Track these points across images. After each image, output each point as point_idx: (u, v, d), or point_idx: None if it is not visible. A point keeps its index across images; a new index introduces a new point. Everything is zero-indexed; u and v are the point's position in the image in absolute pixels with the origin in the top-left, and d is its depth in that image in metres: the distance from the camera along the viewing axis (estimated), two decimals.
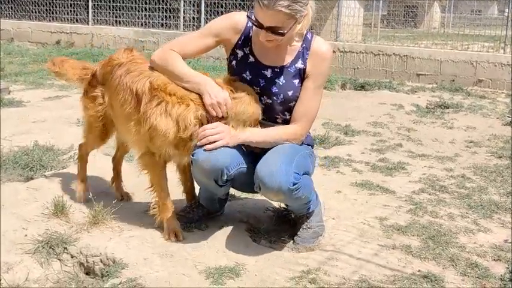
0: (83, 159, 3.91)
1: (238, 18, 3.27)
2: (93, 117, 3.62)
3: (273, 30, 3.01)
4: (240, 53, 3.29)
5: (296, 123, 3.26)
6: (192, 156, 3.07)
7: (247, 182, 3.28)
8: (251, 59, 3.27)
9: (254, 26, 3.10)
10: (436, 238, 3.51)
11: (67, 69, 3.77)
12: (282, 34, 3.04)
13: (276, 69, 3.24)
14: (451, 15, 21.11)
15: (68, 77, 3.78)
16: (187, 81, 3.15)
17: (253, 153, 3.24)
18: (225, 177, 3.08)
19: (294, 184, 3.04)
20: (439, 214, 3.94)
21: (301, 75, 3.25)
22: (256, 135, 3.18)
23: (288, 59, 3.24)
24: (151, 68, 3.29)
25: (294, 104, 3.27)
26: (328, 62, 3.27)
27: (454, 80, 10.07)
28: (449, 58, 10.21)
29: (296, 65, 3.23)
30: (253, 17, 3.07)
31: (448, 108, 7.90)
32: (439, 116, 7.40)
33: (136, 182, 3.57)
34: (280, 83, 3.24)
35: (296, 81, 3.24)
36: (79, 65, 3.82)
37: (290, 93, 3.24)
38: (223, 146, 3.04)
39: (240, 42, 3.27)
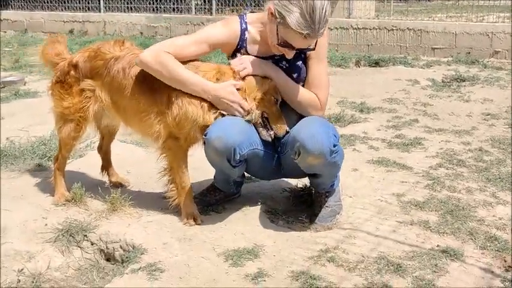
0: (60, 171, 3.75)
1: (236, 27, 3.29)
2: (70, 108, 3.51)
3: (302, 49, 3.10)
4: (239, 55, 3.31)
5: (313, 91, 3.30)
6: (205, 136, 3.09)
7: (263, 167, 3.35)
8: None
9: (282, 47, 3.09)
10: (455, 212, 3.50)
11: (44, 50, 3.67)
12: (313, 49, 3.12)
13: (276, 57, 3.27)
14: None
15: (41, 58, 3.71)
16: (191, 88, 3.15)
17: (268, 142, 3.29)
18: (237, 157, 3.10)
19: (334, 146, 3.08)
20: (457, 188, 3.92)
21: (302, 56, 3.27)
22: (281, 76, 3.23)
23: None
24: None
25: (302, 85, 3.30)
26: (324, 36, 3.22)
27: (469, 53, 9.95)
28: (465, 30, 10.08)
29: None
30: (279, 38, 3.05)
31: (464, 81, 7.81)
32: (455, 90, 7.32)
33: (152, 167, 3.59)
34: (284, 67, 3.27)
35: (299, 63, 3.28)
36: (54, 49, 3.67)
37: (295, 75, 3.28)
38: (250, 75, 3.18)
39: (239, 46, 3.30)
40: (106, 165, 3.98)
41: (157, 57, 3.16)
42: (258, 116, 3.18)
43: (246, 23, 3.30)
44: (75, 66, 3.50)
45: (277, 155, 3.43)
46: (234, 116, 3.14)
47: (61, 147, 3.70)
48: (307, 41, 3.01)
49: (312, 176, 3.40)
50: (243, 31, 3.29)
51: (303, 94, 3.27)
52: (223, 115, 3.15)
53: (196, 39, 3.26)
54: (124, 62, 3.34)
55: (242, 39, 3.29)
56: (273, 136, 3.23)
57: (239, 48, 3.30)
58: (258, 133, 3.23)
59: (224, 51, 3.39)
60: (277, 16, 2.99)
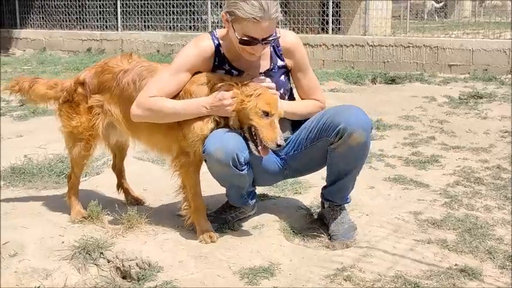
0: (74, 190, 3.76)
1: (206, 44, 3.29)
2: (79, 127, 3.52)
3: (267, 40, 3.13)
4: (221, 72, 3.33)
5: (312, 97, 3.48)
6: (204, 152, 3.12)
7: (264, 170, 3.41)
8: (235, 72, 3.33)
9: (245, 45, 3.12)
10: (473, 231, 3.46)
11: (35, 90, 3.66)
12: (277, 38, 3.19)
13: (261, 74, 3.30)
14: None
15: (37, 98, 3.70)
16: (185, 114, 3.17)
17: None
18: (242, 159, 3.11)
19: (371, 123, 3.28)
20: (475, 206, 3.88)
21: (285, 71, 3.40)
22: (286, 104, 3.34)
23: (266, 62, 3.34)
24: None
25: (286, 99, 3.43)
26: (301, 46, 3.42)
27: (486, 69, 9.90)
28: (481, 47, 10.05)
29: (278, 64, 3.37)
30: (237, 36, 3.09)
31: (481, 98, 7.77)
32: (473, 107, 7.28)
33: (168, 185, 3.60)
34: None
35: (282, 77, 3.39)
36: (49, 83, 3.69)
37: (281, 91, 3.36)
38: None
39: (216, 63, 3.31)
40: (121, 183, 4.00)
41: (143, 106, 3.22)
42: (235, 121, 3.17)
43: (217, 38, 3.31)
44: (82, 83, 3.51)
45: (279, 158, 3.46)
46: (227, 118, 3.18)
47: (73, 166, 3.71)
48: (263, 25, 3.04)
49: (336, 181, 3.40)
50: (217, 47, 3.30)
51: (307, 105, 3.45)
52: (217, 122, 3.16)
53: (173, 73, 3.23)
54: (134, 74, 3.36)
55: (218, 54, 3.30)
56: (261, 153, 3.15)
57: (217, 65, 3.31)
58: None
59: (203, 71, 3.34)
60: (229, 16, 3.08)
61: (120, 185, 4.00)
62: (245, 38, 3.09)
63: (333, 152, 3.27)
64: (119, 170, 3.99)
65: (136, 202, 3.93)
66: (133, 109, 3.25)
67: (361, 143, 3.20)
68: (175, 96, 3.22)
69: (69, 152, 3.68)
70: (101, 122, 3.51)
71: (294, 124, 3.46)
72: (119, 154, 3.95)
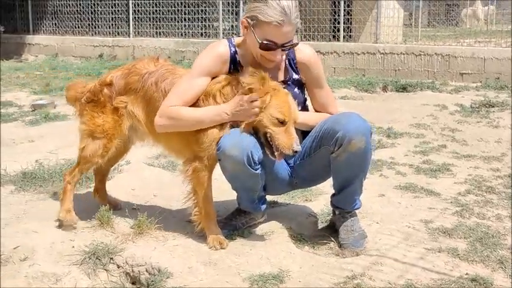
0: (72, 186, 3.68)
1: (222, 50, 3.31)
2: (102, 126, 3.52)
3: (285, 45, 3.17)
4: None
5: (327, 111, 3.48)
6: (218, 150, 3.13)
7: (275, 176, 3.44)
8: None
9: (266, 50, 3.15)
10: (484, 240, 3.44)
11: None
12: (296, 44, 3.22)
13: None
14: (494, 11, 20.68)
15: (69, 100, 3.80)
16: (207, 121, 3.19)
17: None
18: (256, 158, 3.12)
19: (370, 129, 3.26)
20: (487, 215, 3.86)
21: (299, 84, 3.41)
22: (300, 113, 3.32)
23: (281, 74, 3.37)
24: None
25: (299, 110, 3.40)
26: (317, 62, 3.43)
27: (498, 78, 9.86)
28: (493, 56, 10.01)
29: (293, 77, 3.40)
30: (259, 40, 3.11)
31: (493, 107, 7.73)
32: (484, 115, 7.24)
33: (178, 191, 3.60)
34: None
35: (296, 89, 3.39)
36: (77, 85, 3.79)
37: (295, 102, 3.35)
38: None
39: (231, 70, 3.32)
40: (100, 188, 3.98)
41: (165, 115, 3.25)
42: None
43: (234, 45, 3.33)
44: (109, 84, 3.54)
45: (289, 166, 3.49)
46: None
47: (83, 163, 3.63)
48: (284, 30, 3.09)
49: (343, 188, 3.40)
50: (233, 54, 3.31)
51: (319, 117, 3.42)
52: (232, 127, 3.18)
53: (191, 79, 3.26)
54: (157, 75, 3.41)
55: (233, 61, 3.31)
56: (276, 157, 3.16)
57: (232, 72, 3.32)
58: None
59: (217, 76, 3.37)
60: (250, 21, 3.11)
61: (98, 190, 3.97)
62: (266, 42, 3.11)
63: (335, 160, 3.27)
64: (103, 174, 3.96)
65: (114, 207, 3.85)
66: (156, 119, 3.29)
67: (361, 149, 3.20)
68: (196, 101, 3.25)
69: (83, 149, 3.61)
70: (124, 123, 3.54)
71: (304, 133, 3.46)
72: (113, 159, 3.88)
